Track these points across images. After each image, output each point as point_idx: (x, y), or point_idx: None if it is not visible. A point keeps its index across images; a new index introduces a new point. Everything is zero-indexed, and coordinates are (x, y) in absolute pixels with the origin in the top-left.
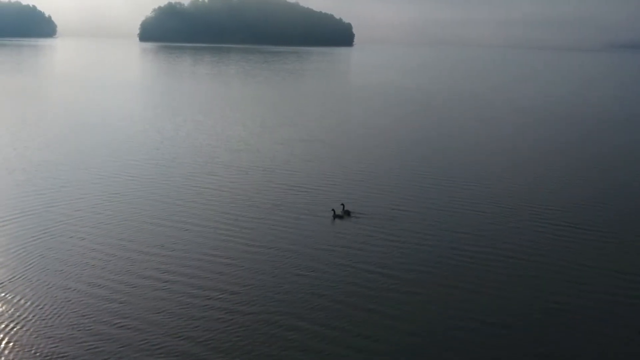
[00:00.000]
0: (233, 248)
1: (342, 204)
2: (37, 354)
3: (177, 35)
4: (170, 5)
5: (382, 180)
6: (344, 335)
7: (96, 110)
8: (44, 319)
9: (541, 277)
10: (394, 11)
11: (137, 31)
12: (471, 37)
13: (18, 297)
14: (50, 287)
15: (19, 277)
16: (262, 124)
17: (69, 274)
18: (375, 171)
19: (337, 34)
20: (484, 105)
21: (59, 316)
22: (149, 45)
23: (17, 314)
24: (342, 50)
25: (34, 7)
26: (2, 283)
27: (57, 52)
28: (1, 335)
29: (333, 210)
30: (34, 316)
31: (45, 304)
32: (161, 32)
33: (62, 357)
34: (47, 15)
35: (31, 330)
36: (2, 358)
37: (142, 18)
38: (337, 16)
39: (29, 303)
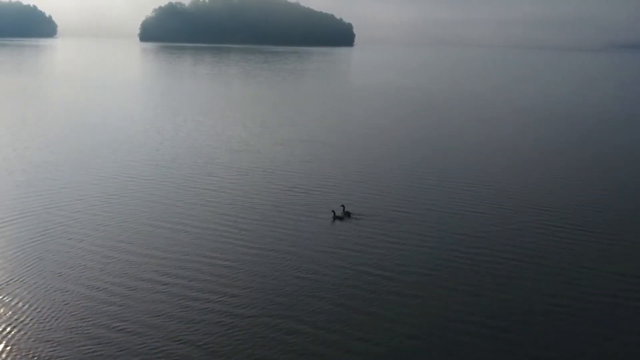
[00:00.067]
0: (233, 250)
1: (342, 205)
2: (35, 357)
3: (178, 35)
4: (170, 5)
5: (382, 181)
6: (344, 338)
7: (96, 111)
8: (42, 322)
9: (542, 280)
10: (395, 11)
11: (138, 31)
12: (472, 37)
13: (16, 300)
14: (49, 290)
15: (17, 280)
16: (263, 124)
17: (67, 277)
18: (376, 172)
19: (338, 34)
20: (485, 106)
21: (57, 319)
22: (149, 45)
23: (15, 317)
24: (343, 51)
25: (35, 7)
26: (0, 286)
27: (58, 52)
28: None
29: (333, 211)
30: (31, 319)
31: (43, 307)
32: (162, 32)
33: None
34: (47, 15)
35: (29, 333)
36: None
37: (143, 18)
38: (337, 16)
39: (26, 306)
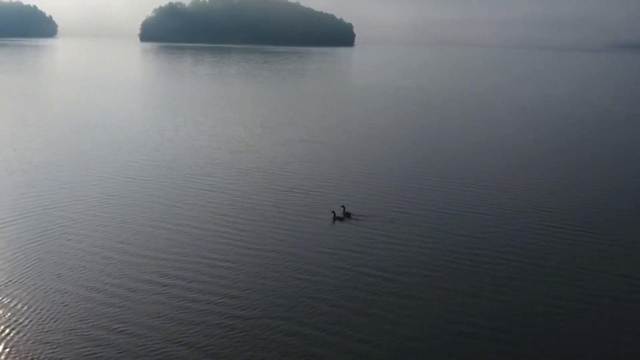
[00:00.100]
0: (233, 251)
1: (343, 206)
2: (34, 359)
3: (178, 36)
4: (171, 5)
5: (382, 182)
6: (344, 340)
7: (96, 111)
8: (41, 324)
9: (542, 281)
10: (395, 11)
11: (138, 31)
12: (471, 37)
13: (15, 301)
14: (48, 291)
15: (17, 281)
16: (263, 124)
17: (66, 278)
18: (376, 172)
19: (338, 34)
20: (485, 106)
21: (56, 321)
22: (149, 45)
23: (14, 318)
24: (343, 51)
25: (35, 7)
26: None
27: (58, 52)
28: None
29: (333, 212)
30: (30, 321)
31: (42, 309)
32: (162, 32)
33: None
34: (48, 15)
35: (28, 335)
36: None
37: (143, 18)
38: (337, 16)
39: (25, 307)
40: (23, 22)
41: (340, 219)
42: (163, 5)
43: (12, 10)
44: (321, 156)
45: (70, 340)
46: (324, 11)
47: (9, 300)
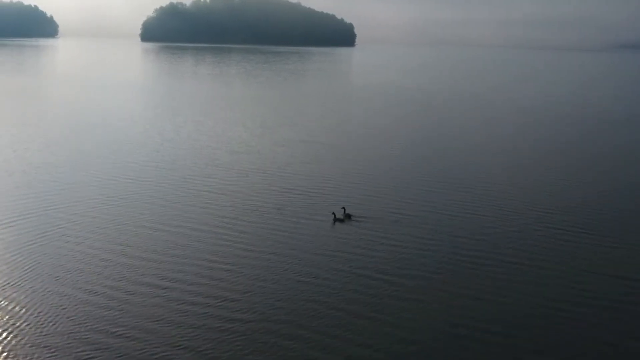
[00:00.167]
0: (233, 253)
1: (343, 207)
2: None
3: (179, 36)
4: (171, 5)
5: (383, 183)
6: (345, 344)
7: (97, 111)
8: (39, 327)
9: (543, 283)
10: (395, 11)
11: (139, 31)
12: (472, 37)
13: (13, 304)
14: (46, 294)
15: (15, 283)
16: (263, 124)
17: (65, 280)
18: (376, 173)
19: (339, 34)
20: (485, 106)
21: (54, 324)
22: (150, 45)
23: (12, 321)
24: (344, 51)
25: (36, 7)
26: None
27: (59, 52)
28: None
29: (334, 213)
30: (28, 324)
31: (40, 312)
32: (163, 32)
33: None
34: (48, 15)
35: (26, 338)
36: None
37: (144, 18)
38: (338, 16)
39: (23, 310)
40: (24, 22)
41: (341, 221)
42: (164, 5)
43: (12, 10)
44: (321, 157)
45: (68, 343)
46: (325, 11)
47: (7, 303)
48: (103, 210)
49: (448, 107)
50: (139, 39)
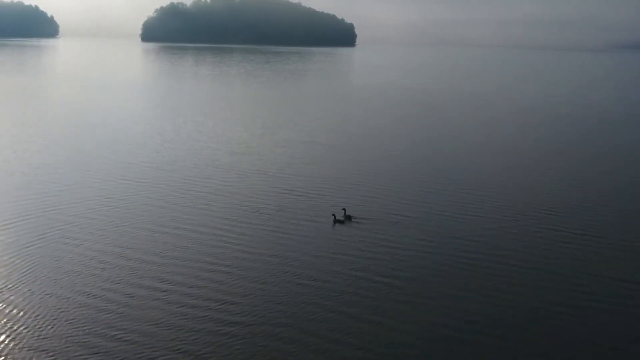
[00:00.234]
0: (232, 256)
1: (344, 209)
2: None
3: (179, 36)
4: (172, 5)
5: (383, 184)
6: (345, 347)
7: (97, 111)
8: (37, 330)
9: (544, 285)
10: (395, 11)
11: (139, 31)
12: (472, 37)
13: (10, 307)
14: (44, 297)
15: (12, 286)
16: (264, 125)
17: (63, 283)
18: (377, 174)
19: (339, 34)
20: (485, 106)
21: (52, 327)
22: (151, 45)
23: (9, 324)
24: (344, 51)
25: (37, 7)
26: None
27: (59, 52)
28: None
29: (334, 215)
30: (26, 327)
31: (38, 315)
32: (163, 32)
33: None
34: (49, 15)
35: (24, 341)
36: None
37: (144, 18)
38: (339, 16)
39: (21, 313)
40: (24, 23)
41: (341, 222)
42: (164, 5)
43: (13, 11)
44: (322, 158)
45: (66, 347)
46: (325, 11)
47: (4, 305)
48: (102, 211)
49: (448, 107)
50: (140, 39)
